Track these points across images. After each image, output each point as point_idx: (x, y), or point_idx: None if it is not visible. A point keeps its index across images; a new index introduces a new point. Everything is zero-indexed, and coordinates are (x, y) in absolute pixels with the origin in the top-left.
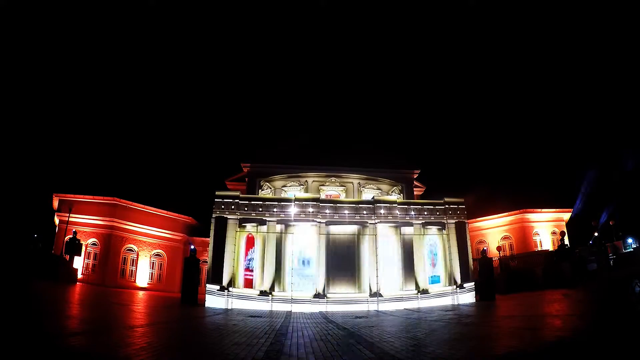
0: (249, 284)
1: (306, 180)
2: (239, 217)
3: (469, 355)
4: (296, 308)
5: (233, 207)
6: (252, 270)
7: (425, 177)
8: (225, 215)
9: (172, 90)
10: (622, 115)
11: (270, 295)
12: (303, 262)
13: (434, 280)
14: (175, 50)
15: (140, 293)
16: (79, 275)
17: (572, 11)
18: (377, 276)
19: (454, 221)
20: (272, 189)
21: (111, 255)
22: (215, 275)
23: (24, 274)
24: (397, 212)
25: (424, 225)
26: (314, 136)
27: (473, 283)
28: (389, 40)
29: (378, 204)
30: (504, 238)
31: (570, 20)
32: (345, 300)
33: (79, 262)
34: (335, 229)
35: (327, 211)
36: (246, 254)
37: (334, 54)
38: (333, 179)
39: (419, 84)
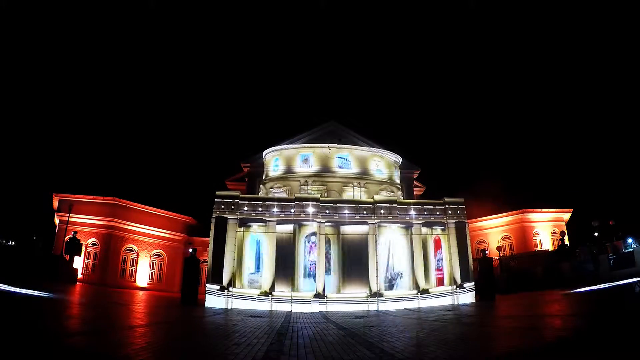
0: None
1: (306, 180)
2: (239, 217)
3: (469, 355)
4: (296, 308)
5: (233, 207)
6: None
7: (425, 177)
8: (225, 215)
9: (172, 90)
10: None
11: (270, 295)
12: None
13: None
14: (176, 51)
15: (140, 293)
16: (79, 275)
17: (569, 13)
18: (377, 276)
19: (454, 221)
20: (274, 188)
21: (111, 255)
22: (215, 275)
23: (24, 274)
24: (397, 212)
25: (424, 225)
26: (314, 136)
27: (473, 283)
28: (389, 41)
29: (378, 204)
30: (504, 238)
31: (569, 20)
32: (345, 300)
33: (79, 262)
34: (334, 229)
35: (327, 211)
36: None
37: (334, 54)
38: (333, 179)
39: (419, 84)
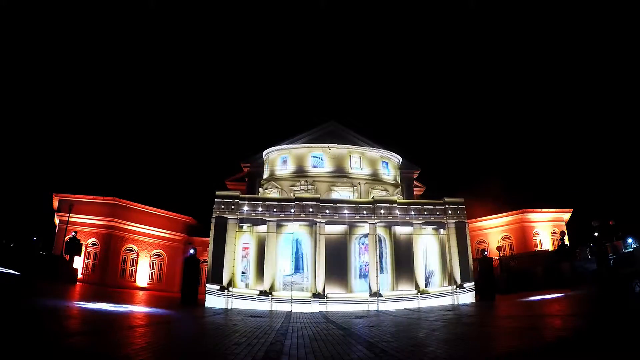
0: None
1: (306, 180)
2: (239, 217)
3: (469, 355)
4: (296, 308)
5: (233, 207)
6: None
7: (425, 177)
8: (225, 215)
9: (172, 90)
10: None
11: (270, 295)
12: (303, 261)
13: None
14: (176, 51)
15: (140, 293)
16: (79, 275)
17: (569, 12)
18: (377, 276)
19: (454, 221)
20: (274, 188)
21: (111, 255)
22: (215, 275)
23: (24, 274)
24: (397, 212)
25: (424, 225)
26: (314, 136)
27: (473, 283)
28: (389, 41)
29: (378, 204)
30: (504, 238)
31: (569, 20)
32: (345, 300)
33: (79, 262)
34: (336, 229)
35: (327, 211)
36: None
37: (334, 55)
38: (333, 179)
39: (419, 85)
